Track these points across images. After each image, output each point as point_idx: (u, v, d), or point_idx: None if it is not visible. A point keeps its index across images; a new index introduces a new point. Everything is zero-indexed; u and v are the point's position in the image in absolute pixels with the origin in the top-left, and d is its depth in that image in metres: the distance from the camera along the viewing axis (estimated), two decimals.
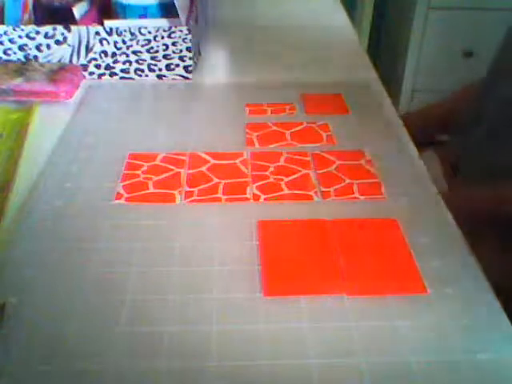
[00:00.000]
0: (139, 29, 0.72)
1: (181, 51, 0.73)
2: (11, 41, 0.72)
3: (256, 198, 0.51)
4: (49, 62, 0.74)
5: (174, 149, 0.58)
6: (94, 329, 0.38)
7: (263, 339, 0.37)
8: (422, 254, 0.44)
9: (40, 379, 0.35)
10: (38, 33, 0.72)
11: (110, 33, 0.72)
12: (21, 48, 0.73)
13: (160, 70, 0.75)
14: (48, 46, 0.73)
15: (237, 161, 0.57)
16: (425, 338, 0.37)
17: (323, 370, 0.35)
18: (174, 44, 0.72)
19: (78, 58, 0.74)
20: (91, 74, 0.75)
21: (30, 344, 0.37)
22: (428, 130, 0.87)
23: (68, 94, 0.69)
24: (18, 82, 0.68)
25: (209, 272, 0.43)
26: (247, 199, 0.51)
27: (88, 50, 0.73)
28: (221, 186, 0.53)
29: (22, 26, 0.72)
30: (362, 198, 0.51)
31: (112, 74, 0.75)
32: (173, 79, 0.75)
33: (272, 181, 0.54)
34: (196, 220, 0.48)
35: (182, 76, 0.75)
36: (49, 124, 0.64)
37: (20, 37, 0.72)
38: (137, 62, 0.74)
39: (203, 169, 0.55)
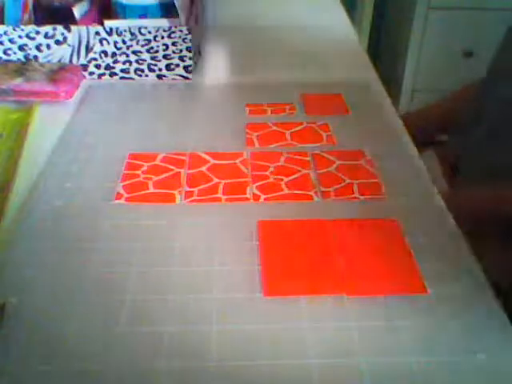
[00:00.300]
0: (139, 29, 0.72)
1: (181, 51, 0.73)
2: (11, 41, 0.72)
3: (256, 198, 0.51)
4: (49, 61, 0.74)
5: (174, 149, 0.58)
6: (94, 329, 0.38)
7: (263, 339, 0.37)
8: (422, 254, 0.44)
9: (40, 379, 0.35)
10: (38, 33, 0.72)
11: (110, 33, 0.72)
12: (21, 48, 0.73)
13: (160, 70, 0.75)
14: (48, 46, 0.73)
15: (237, 161, 0.57)
16: (425, 338, 0.37)
17: (323, 370, 0.35)
18: (173, 44, 0.72)
19: (78, 57, 0.74)
20: (91, 74, 0.75)
21: (30, 344, 0.37)
22: (428, 130, 0.87)
23: (68, 94, 0.69)
24: (18, 82, 0.68)
25: (209, 272, 0.43)
26: (247, 199, 0.51)
27: (88, 49, 0.73)
28: (221, 186, 0.53)
29: (22, 26, 0.72)
30: (361, 197, 0.51)
31: (112, 74, 0.75)
32: (173, 79, 0.75)
33: (272, 181, 0.54)
34: (196, 220, 0.48)
35: (182, 76, 0.75)
36: (49, 124, 0.64)
37: (20, 37, 0.72)
38: (137, 61, 0.74)
39: (203, 169, 0.55)
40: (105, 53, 0.73)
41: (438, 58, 1.80)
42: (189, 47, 0.73)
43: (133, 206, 0.50)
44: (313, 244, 0.45)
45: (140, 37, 0.72)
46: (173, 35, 0.72)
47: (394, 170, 0.55)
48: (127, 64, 0.74)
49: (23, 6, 0.74)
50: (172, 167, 0.55)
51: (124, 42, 0.72)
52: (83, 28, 0.72)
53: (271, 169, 0.55)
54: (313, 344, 0.37)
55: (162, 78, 0.75)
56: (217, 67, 0.82)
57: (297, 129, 0.63)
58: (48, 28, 0.72)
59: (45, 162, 0.56)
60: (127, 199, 0.51)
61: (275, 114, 0.66)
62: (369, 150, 0.58)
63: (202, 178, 0.54)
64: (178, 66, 0.74)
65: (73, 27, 0.71)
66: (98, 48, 0.73)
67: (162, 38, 0.72)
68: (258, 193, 0.52)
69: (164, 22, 0.74)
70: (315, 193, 0.52)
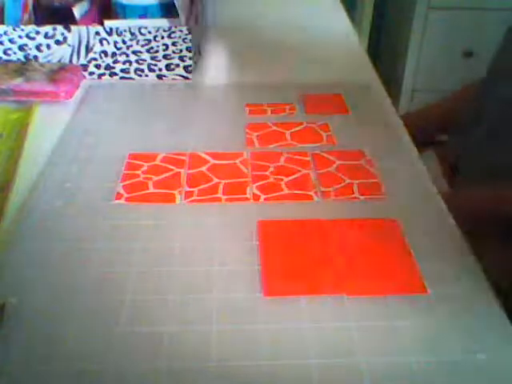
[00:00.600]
0: (139, 29, 0.72)
1: (181, 51, 0.73)
2: (11, 41, 0.72)
3: (256, 198, 0.51)
4: (49, 61, 0.74)
5: (174, 149, 0.58)
6: (94, 329, 0.38)
7: (263, 339, 0.37)
8: (422, 254, 0.44)
9: (40, 379, 0.35)
10: (38, 33, 0.72)
11: (110, 33, 0.72)
12: (21, 48, 0.73)
13: (160, 70, 0.75)
14: (48, 46, 0.73)
15: (237, 161, 0.57)
16: (425, 338, 0.37)
17: (323, 370, 0.35)
18: (173, 44, 0.72)
19: (78, 57, 0.74)
20: (91, 74, 0.75)
21: (30, 344, 0.37)
22: (428, 130, 0.87)
23: (68, 94, 0.69)
24: (18, 82, 0.68)
25: (209, 272, 0.43)
26: (247, 199, 0.51)
27: (88, 49, 0.73)
28: (221, 186, 0.53)
29: (22, 26, 0.72)
30: (361, 197, 0.51)
31: (112, 74, 0.75)
32: (173, 79, 0.75)
33: (272, 181, 0.54)
34: (196, 220, 0.48)
35: (182, 76, 0.75)
36: (49, 124, 0.64)
37: (20, 37, 0.72)
38: (137, 61, 0.74)
39: (203, 169, 0.55)
40: (105, 53, 0.73)
41: (438, 58, 1.80)
42: (189, 47, 0.73)
43: (133, 205, 0.50)
44: (313, 244, 0.45)
45: (140, 37, 0.72)
46: (173, 35, 0.72)
47: (393, 169, 0.55)
48: (127, 64, 0.74)
49: (23, 6, 0.74)
50: (172, 167, 0.55)
51: (124, 41, 0.72)
52: (83, 28, 0.72)
53: (271, 169, 0.55)
54: (313, 344, 0.37)
55: (162, 78, 0.75)
56: (217, 67, 0.82)
57: (297, 129, 0.63)
58: (48, 28, 0.72)
59: (45, 162, 0.56)
60: (127, 199, 0.51)
61: (275, 114, 0.66)
62: (369, 150, 0.58)
63: (202, 177, 0.54)
64: (178, 66, 0.74)
65: (73, 27, 0.71)
66: (97, 48, 0.73)
67: (162, 38, 0.72)
68: (258, 193, 0.52)
69: (164, 22, 0.74)
70: (315, 193, 0.52)
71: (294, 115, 0.66)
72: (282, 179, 0.54)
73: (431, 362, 0.36)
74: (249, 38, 0.92)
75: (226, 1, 1.07)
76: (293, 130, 0.62)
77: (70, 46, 0.73)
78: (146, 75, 0.75)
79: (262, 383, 0.35)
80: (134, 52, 0.73)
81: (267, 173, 0.55)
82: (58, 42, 0.73)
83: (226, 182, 0.53)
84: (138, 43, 0.72)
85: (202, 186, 0.53)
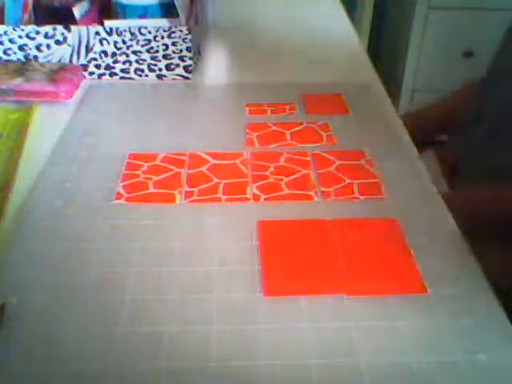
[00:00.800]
0: (139, 29, 0.72)
1: (181, 51, 0.73)
2: (11, 41, 0.72)
3: (256, 198, 0.51)
4: (49, 62, 0.74)
5: (174, 149, 0.58)
6: (94, 329, 0.38)
7: (263, 339, 0.37)
8: (422, 254, 0.44)
9: (40, 379, 0.35)
10: (38, 33, 0.72)
11: (110, 33, 0.72)
12: (21, 48, 0.73)
13: (160, 70, 0.75)
14: (48, 46, 0.73)
15: (237, 161, 0.57)
16: (425, 338, 0.37)
17: (323, 370, 0.35)
18: (173, 44, 0.72)
19: (78, 57, 0.74)
20: (91, 74, 0.75)
21: (30, 344, 0.37)
22: (428, 130, 0.87)
23: (68, 93, 0.69)
24: (18, 82, 0.68)
25: (209, 272, 0.43)
26: (247, 199, 0.51)
27: (88, 49, 0.73)
28: (221, 186, 0.53)
29: (22, 26, 0.72)
30: (362, 197, 0.51)
31: (112, 74, 0.75)
32: (173, 79, 0.75)
33: (272, 181, 0.54)
34: (196, 220, 0.48)
35: (182, 76, 0.75)
36: (49, 124, 0.64)
37: (20, 37, 0.72)
38: (137, 61, 0.74)
39: (203, 169, 0.55)
40: (105, 53, 0.73)
41: (438, 58, 1.80)
42: (189, 47, 0.73)
43: (133, 205, 0.50)
44: (313, 244, 0.45)
45: (140, 37, 0.72)
46: (173, 35, 0.72)
47: (393, 169, 0.55)
48: (127, 64, 0.74)
49: (23, 6, 0.74)
50: (172, 167, 0.55)
51: (124, 41, 0.72)
52: (83, 28, 0.72)
53: (271, 169, 0.55)
54: (313, 344, 0.37)
55: (162, 78, 0.75)
56: (217, 67, 0.82)
57: (297, 129, 0.63)
58: (48, 28, 0.72)
59: (45, 162, 0.56)
60: (127, 199, 0.51)
61: (275, 114, 0.66)
62: (369, 150, 0.58)
63: (202, 178, 0.54)
64: (178, 66, 0.74)
65: (73, 27, 0.71)
66: (97, 48, 0.73)
67: (162, 38, 0.72)
68: (258, 193, 0.52)
69: (164, 22, 0.74)
70: (315, 193, 0.52)
71: (293, 115, 0.66)
72: (281, 179, 0.54)
73: (431, 361, 0.36)
74: (249, 38, 0.92)
75: (226, 1, 1.07)
76: (293, 130, 0.62)
77: (69, 46, 0.73)
78: (146, 75, 0.75)
79: (261, 383, 0.35)
80: (133, 52, 0.73)
81: (267, 173, 0.55)
82: (57, 42, 0.73)
83: (226, 181, 0.53)
84: (137, 43, 0.72)
85: (202, 186, 0.53)
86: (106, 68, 0.74)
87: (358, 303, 0.40)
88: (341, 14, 1.03)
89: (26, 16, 0.75)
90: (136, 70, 0.75)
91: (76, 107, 0.68)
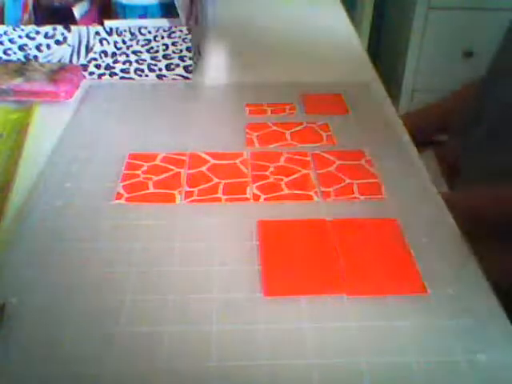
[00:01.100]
0: (139, 29, 0.72)
1: (181, 51, 0.73)
2: (11, 41, 0.72)
3: (256, 197, 0.51)
4: (49, 62, 0.74)
5: (174, 149, 0.58)
6: (94, 329, 0.38)
7: (263, 339, 0.37)
8: (422, 254, 0.44)
9: (39, 379, 0.35)
10: (38, 33, 0.72)
11: (110, 33, 0.72)
12: (21, 48, 0.73)
13: (160, 70, 0.75)
14: (48, 46, 0.73)
15: (237, 161, 0.57)
16: (425, 338, 0.37)
17: (323, 370, 0.35)
18: (173, 44, 0.72)
19: (78, 57, 0.74)
20: (91, 74, 0.75)
21: (30, 344, 0.37)
22: (428, 130, 0.87)
23: (68, 93, 0.69)
24: (18, 82, 0.68)
25: (209, 272, 0.43)
26: (247, 199, 0.51)
27: (88, 49, 0.73)
28: (221, 186, 0.53)
29: (22, 26, 0.72)
30: (361, 197, 0.51)
31: (112, 74, 0.75)
32: (173, 79, 0.75)
33: (272, 181, 0.54)
34: (196, 220, 0.48)
35: (182, 76, 0.75)
36: (49, 124, 0.64)
37: (20, 37, 0.72)
38: (137, 61, 0.74)
39: (203, 169, 0.55)
40: (105, 53, 0.73)
41: (438, 58, 1.80)
42: (189, 47, 0.73)
43: (133, 205, 0.50)
44: (313, 244, 0.45)
45: (140, 37, 0.72)
46: (173, 35, 0.72)
47: (393, 169, 0.55)
48: (127, 64, 0.74)
49: (23, 6, 0.74)
50: (172, 167, 0.55)
51: (124, 41, 0.72)
52: (83, 28, 0.72)
53: (271, 169, 0.55)
54: (313, 344, 0.37)
55: (162, 78, 0.75)
56: (217, 67, 0.82)
57: (297, 129, 0.63)
58: (48, 28, 0.72)
59: (45, 162, 0.56)
60: (127, 199, 0.51)
61: (275, 114, 0.66)
62: (369, 150, 0.58)
63: (202, 178, 0.54)
64: (178, 66, 0.74)
65: (73, 27, 0.71)
66: (97, 48, 0.73)
67: (162, 38, 0.72)
68: (258, 193, 0.52)
69: (164, 22, 0.74)
70: (315, 193, 0.52)
71: (293, 115, 0.66)
72: (282, 179, 0.54)
73: (431, 361, 0.36)
74: (249, 37, 0.92)
75: (226, 1, 1.07)
76: (293, 130, 0.62)
77: (70, 45, 0.73)
78: (146, 75, 0.75)
79: (261, 383, 0.35)
80: (134, 52, 0.73)
81: (267, 173, 0.55)
82: (58, 42, 0.73)
83: (226, 181, 0.53)
84: (137, 43, 0.72)
85: (202, 186, 0.53)
86: (106, 68, 0.74)
87: (358, 303, 0.40)
88: (341, 14, 1.03)
89: (26, 16, 0.75)
90: (136, 69, 0.75)
91: (76, 107, 0.68)
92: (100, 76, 0.75)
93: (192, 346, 0.37)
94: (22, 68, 0.71)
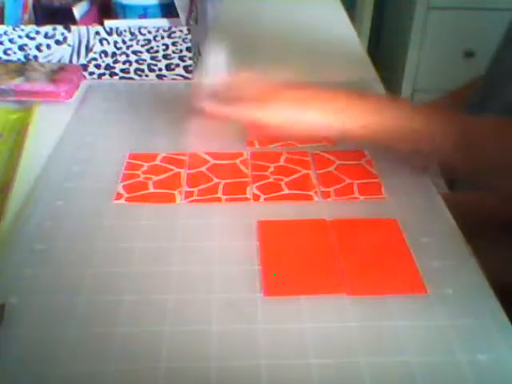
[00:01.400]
0: (139, 29, 0.72)
1: (181, 51, 0.73)
2: (11, 41, 0.72)
3: (256, 198, 0.51)
4: (49, 62, 0.74)
5: (174, 149, 0.58)
6: (94, 329, 0.38)
7: (263, 339, 0.37)
8: (422, 254, 0.44)
9: (39, 379, 0.35)
10: (38, 33, 0.72)
11: (109, 33, 0.72)
12: (21, 48, 0.73)
13: (160, 70, 0.75)
14: (48, 46, 0.73)
15: (237, 161, 0.57)
16: (425, 338, 0.37)
17: (323, 370, 0.35)
18: (173, 44, 0.72)
19: (78, 57, 0.74)
20: (91, 74, 0.75)
21: (30, 344, 0.37)
22: None
23: (68, 93, 0.69)
24: (18, 82, 0.68)
25: (209, 272, 0.43)
26: (247, 199, 0.51)
27: (88, 49, 0.73)
28: (221, 186, 0.53)
29: (22, 26, 0.72)
30: (361, 198, 0.51)
31: (112, 74, 0.75)
32: (173, 79, 0.75)
33: (272, 181, 0.54)
34: (196, 220, 0.48)
35: (182, 76, 0.75)
36: (49, 124, 0.64)
37: (20, 37, 0.72)
38: (137, 61, 0.74)
39: (203, 169, 0.55)
40: (105, 53, 0.73)
41: (438, 58, 1.79)
42: (189, 47, 0.73)
43: (133, 206, 0.50)
44: (313, 244, 0.45)
45: (140, 37, 0.72)
46: (173, 35, 0.72)
47: (393, 169, 0.55)
48: (127, 64, 0.74)
49: (23, 6, 0.74)
50: (172, 167, 0.55)
51: (124, 41, 0.72)
52: (83, 28, 0.72)
53: (271, 169, 0.55)
54: (313, 344, 0.37)
55: (162, 78, 0.75)
56: (217, 67, 0.82)
57: None
58: (48, 28, 0.72)
59: (45, 162, 0.56)
60: (127, 199, 0.51)
61: None
62: (369, 150, 0.58)
63: (202, 177, 0.54)
64: (178, 66, 0.74)
65: (73, 27, 0.71)
66: (97, 48, 0.73)
67: (162, 38, 0.72)
68: (258, 193, 0.52)
69: (164, 22, 0.74)
70: (315, 193, 0.52)
71: None
72: (282, 179, 0.54)
73: (431, 362, 0.36)
74: (249, 38, 0.92)
75: (226, 1, 1.06)
76: None
77: (70, 45, 0.73)
78: (146, 75, 0.75)
79: (261, 383, 0.35)
80: (134, 52, 0.73)
81: (267, 173, 0.55)
82: (58, 42, 0.73)
83: (226, 181, 0.53)
84: (137, 43, 0.72)
85: (202, 186, 0.53)
86: (105, 68, 0.74)
87: (358, 303, 0.40)
88: (341, 14, 1.03)
89: (26, 16, 0.75)
90: (136, 69, 0.75)
91: (76, 107, 0.68)
92: (100, 76, 0.75)
93: (192, 345, 0.37)
94: (22, 68, 0.71)
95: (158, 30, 0.72)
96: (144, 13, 0.75)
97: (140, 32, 0.72)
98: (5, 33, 0.72)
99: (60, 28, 0.72)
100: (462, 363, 0.36)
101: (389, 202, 0.51)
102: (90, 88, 0.73)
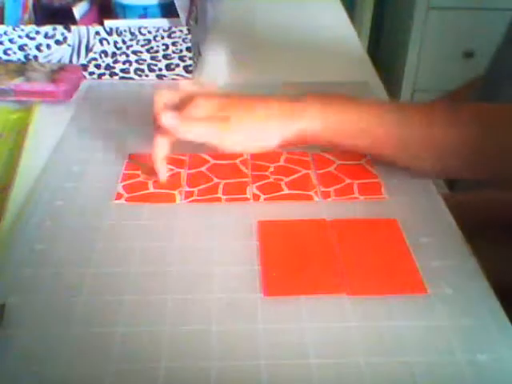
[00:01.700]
0: (139, 29, 0.72)
1: (181, 51, 0.73)
2: (11, 41, 0.72)
3: (256, 197, 0.51)
4: (49, 62, 0.74)
5: (174, 149, 0.58)
6: (94, 329, 0.38)
7: (263, 339, 0.37)
8: (422, 254, 0.44)
9: (40, 379, 0.35)
10: (38, 33, 0.72)
11: (109, 33, 0.72)
12: (21, 48, 0.73)
13: (160, 70, 0.75)
14: (48, 46, 0.73)
15: (237, 161, 0.57)
16: (425, 338, 0.37)
17: (323, 370, 0.35)
18: (173, 44, 0.72)
19: (78, 57, 0.74)
20: (91, 74, 0.75)
21: (30, 344, 0.37)
22: None
23: (68, 94, 0.69)
24: (18, 82, 0.68)
25: (209, 272, 0.43)
26: (247, 199, 0.51)
27: (88, 49, 0.73)
28: (221, 186, 0.53)
29: (22, 26, 0.72)
30: (361, 198, 0.51)
31: (112, 74, 0.75)
32: (173, 79, 0.75)
33: (272, 181, 0.54)
34: (196, 220, 0.48)
35: (182, 76, 0.75)
36: (49, 124, 0.64)
37: (20, 37, 0.72)
38: (137, 62, 0.74)
39: (203, 169, 0.55)
40: (105, 53, 0.73)
41: (438, 58, 1.80)
42: (189, 47, 0.73)
43: (133, 205, 0.50)
44: (313, 244, 0.45)
45: (140, 37, 0.72)
46: (173, 35, 0.72)
47: (393, 170, 0.55)
48: (127, 64, 0.74)
49: (23, 6, 0.74)
50: (172, 167, 0.55)
51: (124, 41, 0.72)
52: (83, 28, 0.72)
53: (271, 169, 0.55)
54: (313, 344, 0.37)
55: (162, 78, 0.75)
56: (217, 67, 0.82)
57: None
58: (48, 28, 0.72)
59: (45, 162, 0.56)
60: (127, 199, 0.51)
61: None
62: None
63: (202, 178, 0.54)
64: (178, 66, 0.74)
65: (73, 27, 0.71)
66: (97, 48, 0.73)
67: (162, 38, 0.72)
68: (258, 193, 0.52)
69: (164, 22, 0.74)
70: (315, 193, 0.52)
71: None
72: (282, 179, 0.54)
73: (431, 362, 0.36)
74: (249, 37, 0.92)
75: (226, 1, 1.06)
76: None
77: (69, 46, 0.73)
78: (146, 75, 0.75)
79: (261, 383, 0.35)
80: (133, 52, 0.73)
81: (267, 173, 0.55)
82: (57, 42, 0.73)
83: (226, 181, 0.53)
84: (137, 43, 0.72)
85: (202, 186, 0.53)
86: (105, 68, 0.74)
87: (358, 303, 0.40)
88: (341, 14, 1.03)
89: (26, 16, 0.75)
90: (136, 69, 0.75)
91: (76, 107, 0.68)
92: (100, 76, 0.75)
93: (192, 345, 0.37)
94: (22, 68, 0.71)
95: (158, 30, 0.72)
96: (144, 13, 0.75)
97: (140, 32, 0.72)
98: (5, 33, 0.72)
99: (60, 28, 0.72)
100: (462, 363, 0.36)
101: (389, 202, 0.51)
102: (90, 88, 0.73)
